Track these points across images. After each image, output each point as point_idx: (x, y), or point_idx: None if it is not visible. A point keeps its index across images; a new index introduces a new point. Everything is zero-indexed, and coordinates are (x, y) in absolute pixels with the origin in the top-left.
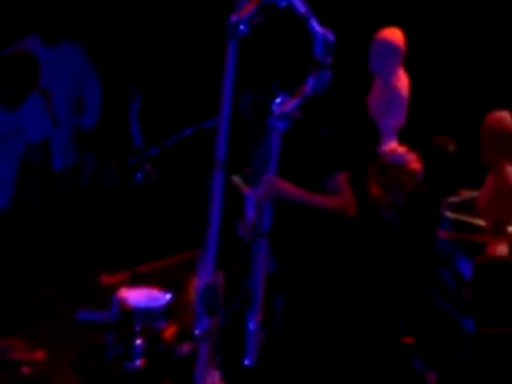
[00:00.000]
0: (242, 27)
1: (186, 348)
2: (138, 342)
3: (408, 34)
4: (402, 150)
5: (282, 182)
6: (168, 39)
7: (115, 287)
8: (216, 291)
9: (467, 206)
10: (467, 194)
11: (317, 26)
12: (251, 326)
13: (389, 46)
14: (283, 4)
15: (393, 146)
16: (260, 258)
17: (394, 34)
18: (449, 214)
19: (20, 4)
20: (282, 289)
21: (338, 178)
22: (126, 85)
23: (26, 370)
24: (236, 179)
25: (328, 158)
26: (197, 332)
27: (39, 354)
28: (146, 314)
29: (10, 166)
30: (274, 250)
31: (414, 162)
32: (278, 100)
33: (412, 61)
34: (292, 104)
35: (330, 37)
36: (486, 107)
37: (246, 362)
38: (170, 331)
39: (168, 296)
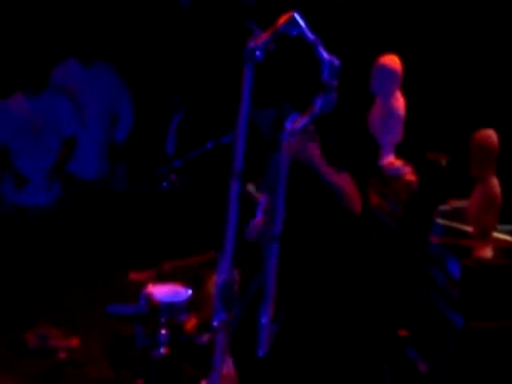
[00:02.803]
0: (257, 53)
1: (205, 338)
2: (163, 332)
3: (405, 60)
4: (398, 163)
5: (312, 146)
6: (196, 65)
7: (143, 283)
8: (232, 287)
9: (457, 214)
10: (457, 203)
11: (324, 53)
12: (263, 320)
13: (388, 71)
14: (295, 33)
15: (391, 159)
16: (272, 260)
17: (393, 60)
18: (440, 221)
19: (58, 31)
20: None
21: (343, 176)
22: (169, 99)
23: (62, 355)
24: (250, 187)
25: (335, 157)
26: (215, 323)
27: (74, 342)
28: (170, 308)
29: (48, 160)
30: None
31: (410, 174)
32: (290, 118)
33: (408, 84)
34: (302, 122)
35: (336, 62)
36: (474, 126)
37: (259, 353)
38: (191, 323)
39: (189, 291)
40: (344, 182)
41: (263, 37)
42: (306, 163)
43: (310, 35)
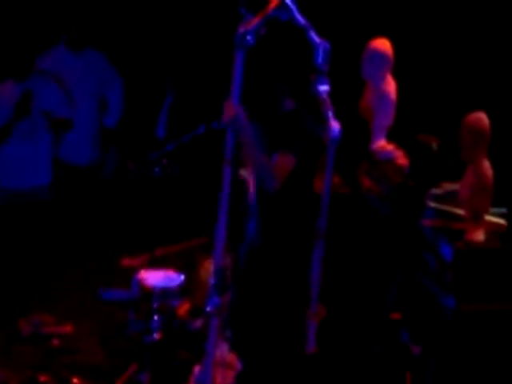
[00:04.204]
0: (248, 38)
1: (198, 323)
2: (156, 317)
3: (395, 44)
4: (390, 147)
5: (239, 109)
6: (188, 49)
7: (135, 269)
8: (225, 273)
9: (449, 197)
10: (448, 187)
11: (315, 37)
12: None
13: (378, 55)
14: (285, 17)
15: (382, 143)
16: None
17: (384, 44)
18: (432, 204)
19: (48, 15)
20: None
21: (282, 156)
22: (160, 84)
23: (56, 342)
24: (243, 172)
25: (288, 135)
26: (208, 309)
27: (68, 328)
28: (162, 293)
29: (39, 143)
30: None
31: (401, 158)
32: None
33: (399, 68)
34: (255, 23)
35: (327, 46)
36: (465, 109)
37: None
38: (183, 308)
39: (182, 277)
40: (266, 160)
41: (254, 22)
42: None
43: (301, 19)
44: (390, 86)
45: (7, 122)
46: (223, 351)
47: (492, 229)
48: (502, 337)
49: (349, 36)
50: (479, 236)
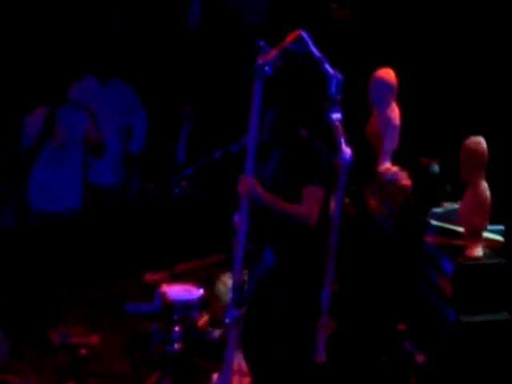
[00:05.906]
0: (266, 69)
1: (216, 333)
2: (177, 329)
3: (399, 73)
4: (394, 169)
5: (256, 184)
6: (206, 80)
7: (158, 283)
8: (242, 288)
9: (449, 215)
10: (449, 206)
11: (329, 68)
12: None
13: (384, 83)
14: (301, 50)
15: (387, 165)
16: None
17: (388, 73)
18: (434, 222)
19: (78, 48)
20: (282, 283)
21: (311, 189)
22: (180, 112)
23: (83, 351)
24: None
25: (310, 168)
26: (227, 321)
27: (94, 339)
28: (183, 306)
29: (74, 170)
30: (276, 248)
31: (405, 179)
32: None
33: (403, 95)
34: (273, 54)
35: (340, 77)
36: (464, 134)
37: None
38: (202, 320)
39: (201, 290)
40: (295, 206)
41: (272, 54)
42: (256, 202)
43: (316, 52)
44: (394, 112)
45: (34, 145)
46: (239, 359)
47: (489, 245)
48: (498, 345)
49: (356, 67)
50: (478, 252)
